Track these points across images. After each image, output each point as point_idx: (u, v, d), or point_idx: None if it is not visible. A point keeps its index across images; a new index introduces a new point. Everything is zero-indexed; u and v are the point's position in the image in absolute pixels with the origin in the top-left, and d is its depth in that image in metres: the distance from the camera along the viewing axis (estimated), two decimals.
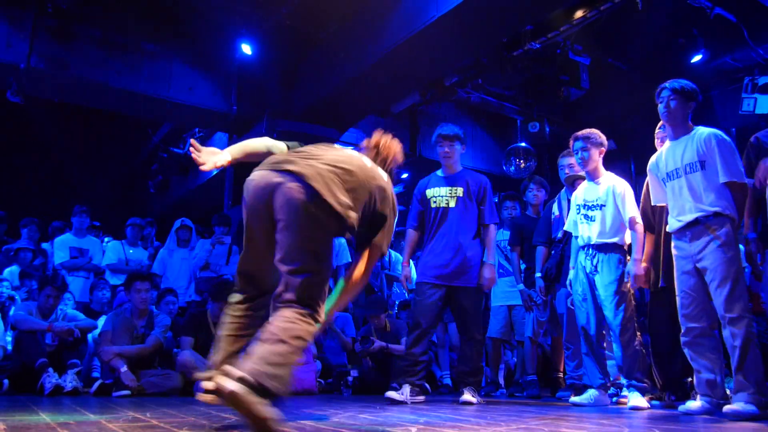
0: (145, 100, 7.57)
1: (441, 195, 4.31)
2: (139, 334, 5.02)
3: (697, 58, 7.33)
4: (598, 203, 4.11)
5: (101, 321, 5.36)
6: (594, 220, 4.10)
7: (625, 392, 3.98)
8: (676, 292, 3.45)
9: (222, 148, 2.56)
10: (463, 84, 8.39)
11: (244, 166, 2.56)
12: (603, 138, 4.21)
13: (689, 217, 3.36)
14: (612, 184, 4.13)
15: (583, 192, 4.27)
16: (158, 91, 7.44)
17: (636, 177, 9.37)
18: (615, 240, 4.03)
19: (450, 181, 4.35)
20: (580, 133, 4.21)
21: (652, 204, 3.82)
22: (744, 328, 3.08)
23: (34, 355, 4.67)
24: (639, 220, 3.97)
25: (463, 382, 4.15)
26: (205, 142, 10.44)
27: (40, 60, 6.71)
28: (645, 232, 4.06)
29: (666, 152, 3.58)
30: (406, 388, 3.99)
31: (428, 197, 4.35)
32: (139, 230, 6.92)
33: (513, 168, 9.31)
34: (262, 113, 8.03)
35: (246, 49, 7.56)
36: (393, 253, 7.59)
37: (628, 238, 4.05)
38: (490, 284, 4.28)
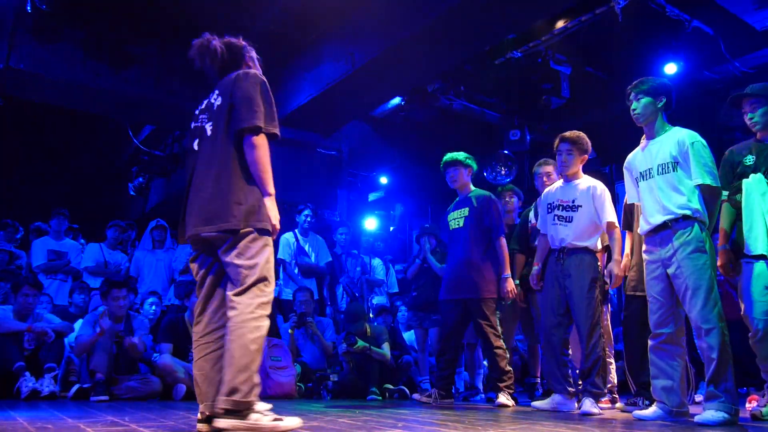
0: (127, 102, 7.52)
1: (454, 218, 4.73)
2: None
3: (674, 69, 7.46)
4: (576, 204, 4.01)
5: (78, 324, 5.30)
6: (570, 222, 3.99)
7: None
8: (647, 296, 3.39)
9: None
10: (446, 91, 8.45)
11: None
12: (589, 145, 4.14)
13: (658, 219, 3.26)
14: (591, 185, 4.04)
15: (557, 191, 4.16)
16: (140, 93, 7.37)
17: (615, 184, 9.53)
18: (588, 244, 3.95)
19: (459, 203, 4.75)
20: (568, 134, 4.10)
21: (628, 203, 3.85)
22: (719, 338, 2.99)
23: (13, 358, 4.61)
24: (617, 223, 3.96)
25: (496, 387, 4.46)
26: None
27: (20, 60, 6.63)
28: (623, 231, 4.10)
29: (642, 151, 3.48)
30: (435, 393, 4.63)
31: (448, 221, 4.78)
32: (121, 232, 6.85)
33: (494, 175, 9.40)
34: None
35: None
36: (375, 259, 7.60)
37: (599, 243, 4.03)
38: (509, 296, 4.48)
